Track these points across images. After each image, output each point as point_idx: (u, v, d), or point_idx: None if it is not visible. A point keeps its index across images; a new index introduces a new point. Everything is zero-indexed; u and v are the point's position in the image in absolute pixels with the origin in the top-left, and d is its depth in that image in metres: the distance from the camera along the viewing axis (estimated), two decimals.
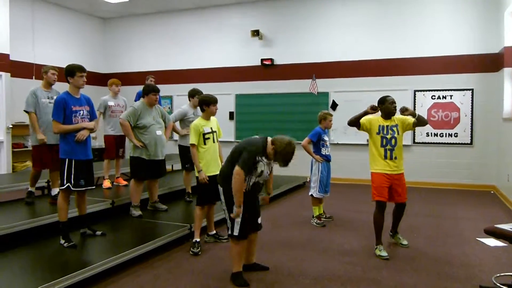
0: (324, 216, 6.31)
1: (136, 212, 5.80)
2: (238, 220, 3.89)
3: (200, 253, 4.80)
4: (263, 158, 3.83)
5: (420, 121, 4.77)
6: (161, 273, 4.26)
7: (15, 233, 4.64)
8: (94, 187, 4.85)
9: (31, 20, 10.42)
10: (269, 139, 3.86)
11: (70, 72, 4.50)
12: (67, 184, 4.49)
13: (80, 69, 4.54)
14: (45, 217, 5.00)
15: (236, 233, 3.91)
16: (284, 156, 3.75)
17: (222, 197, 4.02)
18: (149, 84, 6.11)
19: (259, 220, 4.14)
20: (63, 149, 4.52)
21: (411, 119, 4.82)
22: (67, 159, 4.49)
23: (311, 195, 6.13)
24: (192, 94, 6.24)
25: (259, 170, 3.84)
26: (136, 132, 5.66)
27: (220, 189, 4.02)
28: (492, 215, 6.72)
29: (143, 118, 5.65)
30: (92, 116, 4.73)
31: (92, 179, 4.82)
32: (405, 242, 5.09)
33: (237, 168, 3.75)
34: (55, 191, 5.75)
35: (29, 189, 5.83)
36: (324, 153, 6.08)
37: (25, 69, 10.00)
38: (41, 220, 4.94)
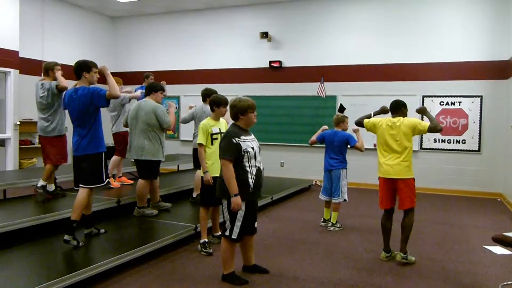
0: (325, 223, 6.28)
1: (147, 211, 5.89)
2: (239, 224, 3.87)
3: (212, 253, 4.79)
4: (240, 137, 3.84)
5: None
6: (165, 273, 4.25)
7: (20, 229, 4.65)
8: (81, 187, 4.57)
9: (40, 17, 10.46)
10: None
11: (86, 67, 4.49)
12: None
13: (96, 65, 4.59)
14: (51, 214, 5.02)
15: (234, 236, 3.90)
16: (245, 105, 3.88)
17: (225, 209, 3.96)
18: (157, 83, 6.12)
19: (256, 224, 4.11)
20: None
21: None
22: None
23: None
24: (208, 94, 6.01)
25: (248, 149, 3.82)
26: None
27: (224, 202, 3.95)
28: (499, 223, 6.67)
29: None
30: None
31: (77, 178, 4.66)
32: (398, 258, 4.66)
33: (221, 160, 3.82)
34: (50, 187, 5.81)
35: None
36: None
37: (33, 66, 10.03)
38: (47, 217, 4.96)
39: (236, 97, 3.98)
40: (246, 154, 3.81)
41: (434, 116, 9.07)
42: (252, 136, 4.01)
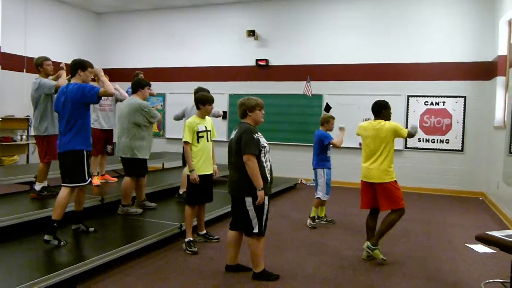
0: (319, 219, 6.31)
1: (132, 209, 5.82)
2: (265, 218, 3.94)
3: (197, 252, 4.76)
4: (257, 132, 3.94)
5: None
6: (150, 272, 4.21)
7: (2, 228, 4.55)
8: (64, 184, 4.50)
9: (23, 12, 10.25)
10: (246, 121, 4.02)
11: (82, 66, 4.58)
12: None
13: (92, 66, 4.67)
14: (34, 213, 4.93)
15: (262, 231, 3.93)
16: (253, 103, 3.95)
17: (250, 207, 3.87)
18: (143, 79, 6.12)
19: None
20: None
21: None
22: None
23: None
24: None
25: (265, 144, 3.93)
26: None
27: (247, 200, 3.86)
28: (481, 222, 6.76)
29: None
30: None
31: (63, 175, 4.58)
32: (365, 246, 4.73)
33: (245, 156, 3.77)
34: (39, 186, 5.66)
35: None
36: None
37: (16, 62, 9.85)
38: (30, 216, 4.86)
39: (245, 97, 4.05)
40: (263, 149, 3.90)
41: (419, 116, 9.29)
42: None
